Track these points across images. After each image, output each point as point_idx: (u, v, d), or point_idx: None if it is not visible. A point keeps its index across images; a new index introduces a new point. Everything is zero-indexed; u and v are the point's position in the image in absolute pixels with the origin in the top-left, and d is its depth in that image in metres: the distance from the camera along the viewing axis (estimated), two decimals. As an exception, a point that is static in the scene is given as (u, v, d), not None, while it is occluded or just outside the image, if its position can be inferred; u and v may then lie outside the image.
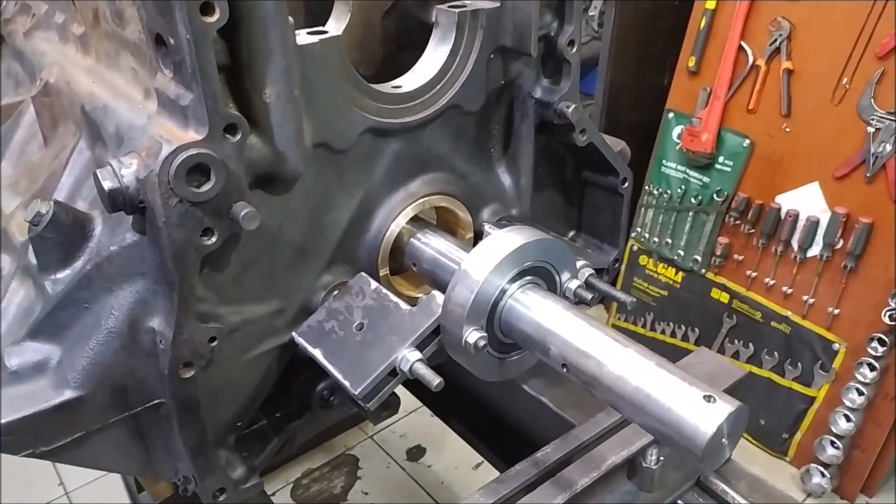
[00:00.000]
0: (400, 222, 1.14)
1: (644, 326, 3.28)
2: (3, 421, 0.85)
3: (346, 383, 0.96)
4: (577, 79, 1.20)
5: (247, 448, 1.12)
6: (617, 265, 1.50)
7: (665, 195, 3.07)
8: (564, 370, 0.92)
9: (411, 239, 1.15)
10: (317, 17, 1.27)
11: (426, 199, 1.14)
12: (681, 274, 3.10)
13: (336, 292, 1.09)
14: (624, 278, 3.31)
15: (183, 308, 0.88)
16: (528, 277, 1.00)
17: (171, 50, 0.81)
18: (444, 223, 1.24)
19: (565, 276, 1.05)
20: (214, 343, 0.94)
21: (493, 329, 0.99)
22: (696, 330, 3.10)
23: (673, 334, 3.19)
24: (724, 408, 0.78)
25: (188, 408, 0.95)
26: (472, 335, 0.94)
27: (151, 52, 0.86)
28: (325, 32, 0.96)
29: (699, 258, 2.99)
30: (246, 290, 0.99)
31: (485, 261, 0.95)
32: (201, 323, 0.92)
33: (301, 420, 1.18)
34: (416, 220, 1.17)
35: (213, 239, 0.87)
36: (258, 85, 0.87)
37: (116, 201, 0.82)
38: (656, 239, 3.13)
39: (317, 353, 1.02)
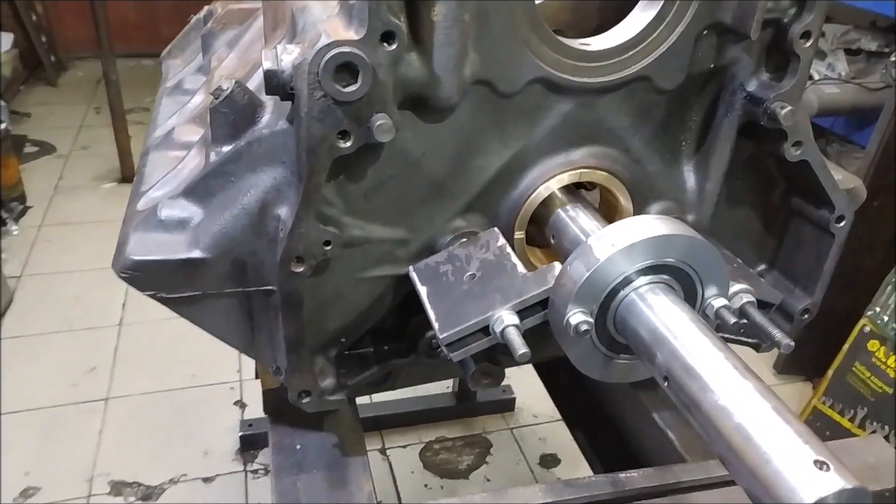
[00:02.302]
0: (551, 186, 1.06)
1: (852, 421, 2.80)
2: (137, 258, 0.95)
3: (436, 325, 0.92)
4: (804, 79, 1.02)
5: (346, 366, 1.14)
6: (806, 317, 1.28)
7: (922, 277, 2.57)
8: (665, 384, 0.79)
9: (559, 209, 1.07)
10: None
11: (586, 170, 1.05)
12: (916, 373, 2.58)
13: (464, 240, 1.05)
14: (843, 359, 2.84)
15: (305, 203, 0.91)
16: (665, 277, 0.88)
17: (354, -50, 0.83)
18: (603, 205, 1.14)
19: (711, 290, 0.91)
20: (329, 247, 0.95)
21: (607, 321, 0.89)
22: (917, 444, 2.57)
23: (886, 440, 2.67)
24: (837, 481, 0.61)
25: (291, 303, 0.98)
26: (576, 317, 0.85)
27: (343, -45, 0.88)
28: (518, -33, 0.92)
29: (946, 362, 2.46)
30: (375, 208, 1.00)
31: (614, 240, 0.85)
32: (320, 224, 0.94)
33: (405, 360, 1.17)
34: (571, 192, 1.09)
35: (348, 143, 0.88)
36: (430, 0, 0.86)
37: (271, 83, 0.86)
38: (895, 326, 2.64)
39: (422, 291, 0.99)
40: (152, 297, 0.97)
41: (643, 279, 0.86)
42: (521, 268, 0.96)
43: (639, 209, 1.13)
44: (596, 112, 1.03)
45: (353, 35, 0.83)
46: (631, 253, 0.85)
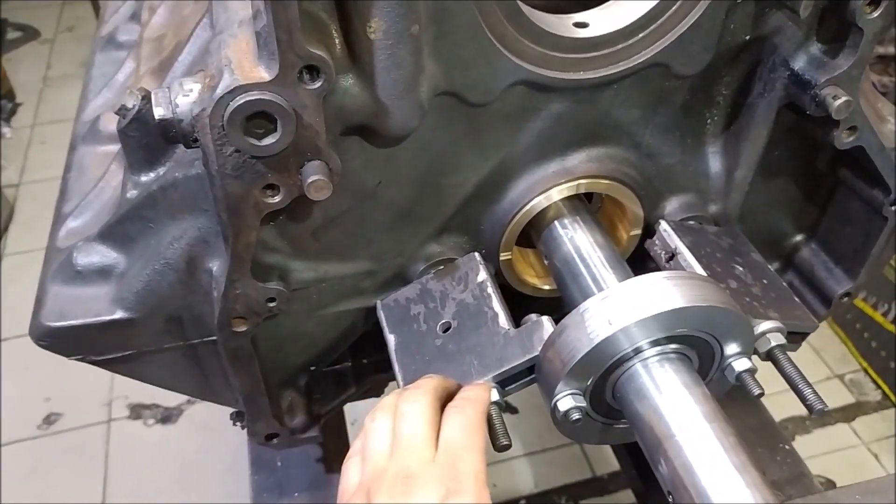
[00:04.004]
0: (552, 196, 0.87)
1: (885, 315, 2.67)
2: (53, 325, 0.81)
3: (404, 396, 0.79)
4: (866, 57, 0.79)
5: (320, 389, 1.03)
6: (846, 300, 1.11)
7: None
8: (669, 498, 0.66)
9: (555, 221, 0.90)
10: None
11: (584, 181, 0.86)
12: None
13: (441, 268, 0.89)
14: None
15: (236, 264, 0.75)
16: (674, 346, 0.72)
17: (253, -50, 0.60)
18: (605, 210, 0.95)
19: (731, 348, 0.75)
20: (273, 303, 0.80)
21: (605, 387, 0.74)
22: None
23: (917, 335, 2.57)
24: None
25: (239, 359, 0.85)
26: (565, 401, 0.71)
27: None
28: (486, -59, 0.67)
29: None
30: (327, 246, 0.83)
31: (611, 317, 0.69)
32: (260, 281, 0.78)
33: (386, 374, 1.06)
34: (573, 199, 0.90)
35: (278, 198, 0.70)
36: (362, 13, 0.63)
37: (168, 134, 0.67)
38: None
39: (390, 340, 0.85)
40: (80, 360, 0.85)
41: (653, 350, 0.71)
42: (502, 319, 0.80)
43: (652, 209, 0.94)
44: (597, 108, 0.82)
45: (263, 74, 0.63)
46: (635, 329, 0.69)
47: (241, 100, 0.62)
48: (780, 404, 1.26)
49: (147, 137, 0.80)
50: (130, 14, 1.29)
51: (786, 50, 0.81)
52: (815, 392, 0.77)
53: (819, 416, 2.36)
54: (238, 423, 0.97)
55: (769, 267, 0.94)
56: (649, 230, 0.95)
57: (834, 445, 2.33)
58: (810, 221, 1.11)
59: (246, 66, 0.64)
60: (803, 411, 2.42)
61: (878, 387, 2.51)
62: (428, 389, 0.71)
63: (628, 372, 0.72)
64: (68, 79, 4.35)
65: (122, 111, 0.80)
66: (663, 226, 0.92)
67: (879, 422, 2.40)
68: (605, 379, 0.74)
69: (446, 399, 0.72)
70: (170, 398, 2.60)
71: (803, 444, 2.33)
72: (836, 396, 2.46)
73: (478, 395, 0.72)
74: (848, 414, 2.41)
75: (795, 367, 0.80)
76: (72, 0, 5.08)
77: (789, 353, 0.84)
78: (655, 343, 0.71)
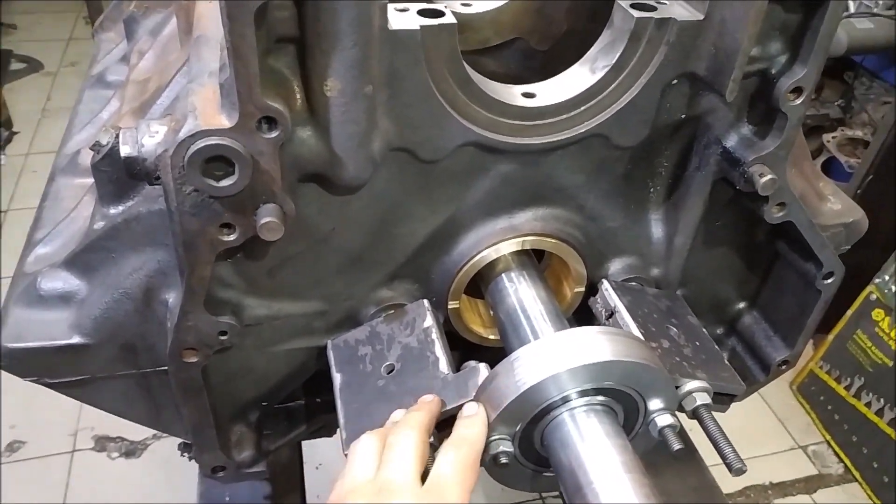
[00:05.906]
0: (501, 250, 0.92)
1: (848, 389, 2.71)
2: (11, 346, 0.84)
3: (344, 434, 0.82)
4: (791, 139, 0.86)
5: (271, 426, 1.05)
6: (784, 368, 1.16)
7: (937, 250, 2.40)
8: (583, 543, 0.69)
9: (503, 274, 0.94)
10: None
11: (529, 238, 0.91)
12: (919, 350, 2.47)
13: (390, 312, 0.93)
14: (846, 325, 2.72)
15: (190, 297, 0.79)
16: (601, 398, 0.76)
17: (223, 11, 0.66)
18: (553, 267, 1.00)
19: (655, 403, 0.79)
20: (225, 336, 0.84)
21: (533, 435, 0.78)
22: (911, 421, 2.49)
23: (880, 413, 2.59)
24: None
25: (189, 389, 0.88)
26: (493, 445, 0.74)
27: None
28: (441, 15, 0.74)
29: (951, 341, 2.34)
30: (281, 285, 0.87)
31: (541, 362, 0.73)
32: (213, 315, 0.82)
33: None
34: (521, 254, 0.95)
35: (233, 236, 0.75)
36: (320, 73, 0.69)
37: (133, 170, 0.73)
38: (904, 297, 2.50)
39: (336, 378, 0.89)
40: (35, 382, 0.88)
41: (581, 400, 0.75)
42: (442, 364, 0.84)
43: (595, 269, 0.99)
44: (542, 171, 0.88)
45: (224, 121, 0.68)
46: (561, 378, 0.73)
47: (201, 143, 0.67)
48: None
49: (117, 173, 0.85)
50: (121, 56, 1.36)
51: (718, 129, 0.88)
52: (735, 452, 0.81)
53: (781, 486, 2.38)
54: (186, 454, 0.99)
55: (703, 330, 0.98)
56: (594, 288, 1.00)
57: (793, 516, 2.34)
58: (752, 290, 1.16)
59: (209, 112, 0.69)
60: (765, 479, 2.43)
61: (841, 460, 2.53)
62: (417, 424, 0.72)
63: (555, 420, 0.76)
64: (66, 111, 4.40)
65: (96, 147, 0.85)
66: (605, 285, 0.97)
67: (841, 495, 2.41)
68: (535, 426, 0.77)
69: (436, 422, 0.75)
70: (135, 432, 2.58)
71: (762, 514, 2.34)
72: (798, 467, 2.48)
73: (475, 436, 0.73)
74: (810, 485, 2.42)
75: (719, 426, 0.84)
76: (77, 39, 5.22)
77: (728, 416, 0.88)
78: (583, 394, 0.75)
